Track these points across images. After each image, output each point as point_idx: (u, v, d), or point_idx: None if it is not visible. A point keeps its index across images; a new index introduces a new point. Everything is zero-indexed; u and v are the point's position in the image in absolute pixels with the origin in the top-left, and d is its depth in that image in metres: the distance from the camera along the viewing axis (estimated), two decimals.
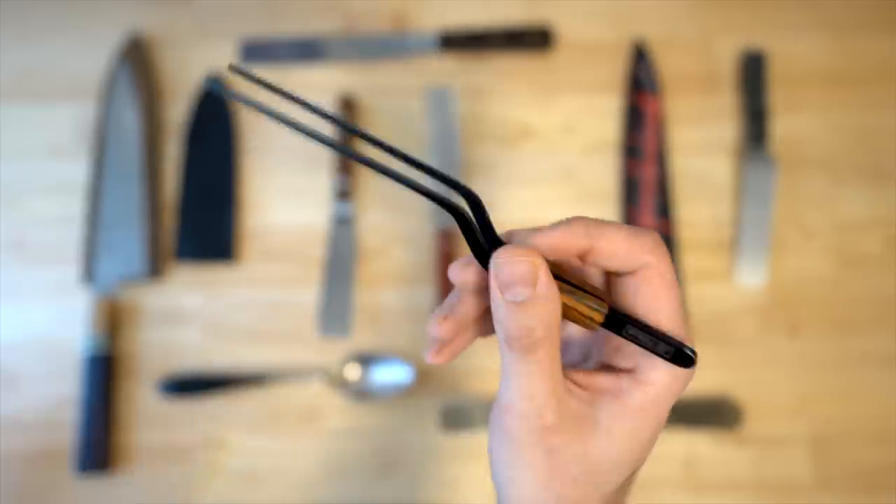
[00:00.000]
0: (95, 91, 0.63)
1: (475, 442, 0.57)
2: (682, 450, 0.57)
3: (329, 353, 0.59)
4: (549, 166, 0.62)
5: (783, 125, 0.61)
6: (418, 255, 0.60)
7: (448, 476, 0.57)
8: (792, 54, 0.63)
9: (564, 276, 0.24)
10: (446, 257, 0.59)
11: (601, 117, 0.62)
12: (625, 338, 0.24)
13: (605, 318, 0.24)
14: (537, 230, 0.24)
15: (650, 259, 0.24)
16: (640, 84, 0.61)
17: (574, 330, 0.29)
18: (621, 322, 0.24)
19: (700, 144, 0.62)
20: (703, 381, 0.58)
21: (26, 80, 0.64)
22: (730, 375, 0.58)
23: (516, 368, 0.23)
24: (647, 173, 0.60)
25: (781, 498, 0.56)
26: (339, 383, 0.58)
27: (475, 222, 0.24)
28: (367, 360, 0.58)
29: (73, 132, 0.63)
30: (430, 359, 0.27)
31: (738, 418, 0.56)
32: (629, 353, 0.25)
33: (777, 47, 0.63)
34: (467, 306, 0.26)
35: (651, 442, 0.25)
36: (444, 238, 0.59)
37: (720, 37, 0.63)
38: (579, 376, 0.25)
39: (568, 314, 0.24)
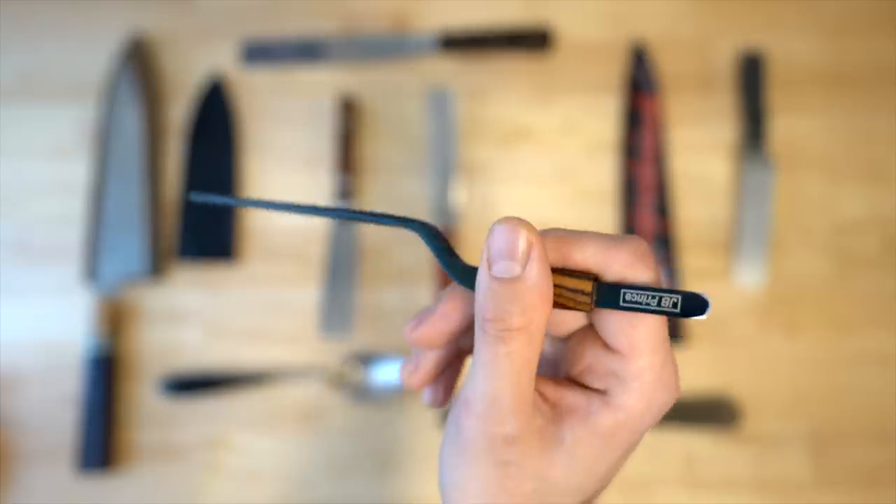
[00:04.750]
0: (97, 92, 0.63)
1: None
2: (680, 449, 0.57)
3: (329, 353, 0.59)
4: (548, 167, 0.62)
5: (782, 126, 0.62)
6: (418, 255, 0.61)
7: None
8: (790, 55, 0.63)
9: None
10: None
11: (600, 118, 0.63)
12: (626, 309, 0.21)
13: (595, 292, 0.22)
14: None
15: (626, 274, 0.22)
16: (639, 85, 0.62)
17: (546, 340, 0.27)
18: (614, 293, 0.22)
19: (699, 145, 0.62)
20: (702, 380, 0.58)
21: (28, 81, 0.64)
22: (728, 374, 0.58)
23: (485, 358, 0.21)
24: (646, 173, 0.60)
25: (780, 496, 0.56)
26: (339, 383, 0.58)
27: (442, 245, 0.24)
28: (367, 359, 0.58)
29: (74, 133, 0.63)
30: (405, 379, 0.26)
31: (737, 417, 0.56)
32: (601, 373, 0.23)
33: (775, 48, 0.63)
34: (443, 322, 0.25)
35: (617, 467, 0.23)
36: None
37: (719, 37, 0.63)
38: (548, 387, 0.23)
39: (555, 300, 0.23)
